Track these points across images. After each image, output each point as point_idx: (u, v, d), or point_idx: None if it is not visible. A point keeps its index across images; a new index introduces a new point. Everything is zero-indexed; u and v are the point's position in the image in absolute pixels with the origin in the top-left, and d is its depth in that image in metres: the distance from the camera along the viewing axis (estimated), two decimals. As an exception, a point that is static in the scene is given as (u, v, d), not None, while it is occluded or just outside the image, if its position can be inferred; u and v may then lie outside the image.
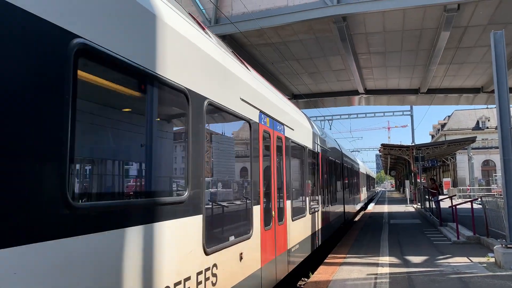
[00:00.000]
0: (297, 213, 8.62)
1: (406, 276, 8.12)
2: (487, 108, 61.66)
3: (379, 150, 35.88)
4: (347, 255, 10.67)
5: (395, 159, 42.74)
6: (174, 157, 3.92)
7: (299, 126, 9.22)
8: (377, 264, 9.41)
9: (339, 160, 16.96)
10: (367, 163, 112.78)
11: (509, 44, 15.06)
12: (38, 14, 2.28)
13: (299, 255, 8.66)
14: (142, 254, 3.11)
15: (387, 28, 15.65)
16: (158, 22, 3.50)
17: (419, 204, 27.13)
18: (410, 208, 29.28)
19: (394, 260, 9.94)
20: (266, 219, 6.41)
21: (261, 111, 6.37)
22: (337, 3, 13.88)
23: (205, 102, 4.30)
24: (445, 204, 17.69)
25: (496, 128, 10.66)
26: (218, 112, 4.81)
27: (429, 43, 16.97)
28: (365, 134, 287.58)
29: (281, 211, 7.32)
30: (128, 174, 3.42)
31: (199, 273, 4.01)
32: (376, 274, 8.40)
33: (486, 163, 57.70)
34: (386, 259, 10.08)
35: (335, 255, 10.75)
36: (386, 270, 8.78)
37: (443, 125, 73.41)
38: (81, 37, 2.58)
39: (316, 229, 10.86)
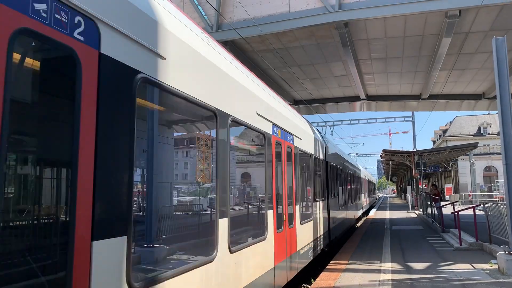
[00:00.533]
0: (305, 217, 9.08)
1: (409, 283, 8.07)
2: (489, 114, 61.69)
3: (381, 156, 35.74)
4: (349, 261, 10.62)
5: (397, 165, 42.62)
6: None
7: (305, 135, 9.68)
8: (379, 271, 9.36)
9: (341, 166, 16.98)
10: (368, 168, 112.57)
11: (511, 50, 15.07)
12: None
13: (307, 256, 9.08)
14: None
15: (389, 34, 15.68)
16: (207, 63, 4.42)
17: (421, 210, 27.02)
18: (412, 214, 29.17)
19: (396, 266, 9.88)
20: (278, 223, 6.86)
21: (273, 124, 6.82)
22: (339, 9, 13.91)
23: (229, 119, 4.90)
24: (447, 210, 17.62)
25: (498, 134, 10.65)
26: (239, 126, 5.43)
27: (431, 49, 16.98)
28: (366, 140, 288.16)
29: (291, 216, 7.77)
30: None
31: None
32: (379, 280, 8.35)
33: (488, 169, 57.47)
34: (388, 265, 10.02)
35: (337, 261, 10.70)
36: (389, 276, 8.73)
37: (444, 131, 73.23)
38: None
39: (322, 233, 11.18)
